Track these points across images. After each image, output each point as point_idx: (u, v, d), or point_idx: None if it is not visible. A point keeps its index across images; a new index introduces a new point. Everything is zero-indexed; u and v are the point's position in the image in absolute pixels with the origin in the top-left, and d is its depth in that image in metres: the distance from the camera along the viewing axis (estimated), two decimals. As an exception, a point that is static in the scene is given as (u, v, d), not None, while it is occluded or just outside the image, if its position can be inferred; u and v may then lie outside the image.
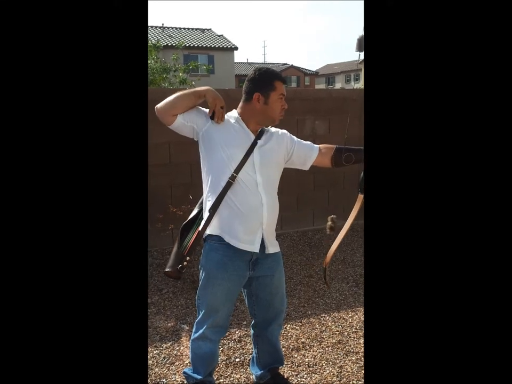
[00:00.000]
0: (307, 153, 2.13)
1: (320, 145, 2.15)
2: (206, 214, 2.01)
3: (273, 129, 2.11)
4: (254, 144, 1.98)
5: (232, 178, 1.93)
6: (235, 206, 1.95)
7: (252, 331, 2.28)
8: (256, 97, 1.96)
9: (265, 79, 1.98)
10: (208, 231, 1.99)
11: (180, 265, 2.03)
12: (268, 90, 1.96)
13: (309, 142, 2.16)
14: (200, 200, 2.13)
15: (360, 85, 39.27)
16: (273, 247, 2.06)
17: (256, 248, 1.99)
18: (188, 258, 2.03)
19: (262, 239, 2.00)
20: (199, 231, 2.03)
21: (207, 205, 2.01)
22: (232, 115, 2.03)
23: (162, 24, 28.14)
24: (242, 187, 1.94)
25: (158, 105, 1.92)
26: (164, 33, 25.65)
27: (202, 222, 2.02)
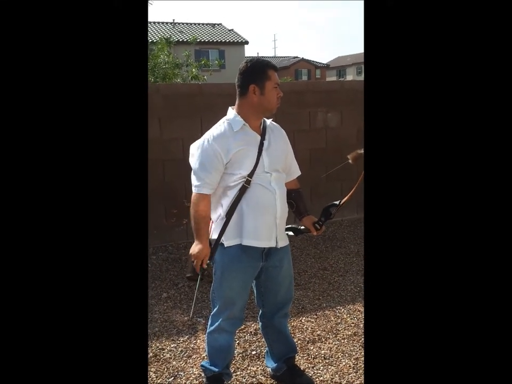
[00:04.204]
0: (292, 168, 2.17)
1: (296, 175, 2.20)
2: (219, 219, 2.00)
3: (270, 123, 2.09)
4: (261, 147, 1.97)
5: (247, 182, 1.93)
6: (251, 206, 1.95)
7: (260, 323, 2.28)
8: (252, 89, 1.92)
9: (258, 69, 1.94)
10: (225, 243, 1.98)
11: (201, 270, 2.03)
12: (263, 80, 1.92)
13: (295, 162, 2.19)
14: None
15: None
16: (284, 241, 2.08)
17: (273, 243, 2.01)
18: (208, 262, 2.02)
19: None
20: (214, 239, 2.01)
21: (218, 209, 2.00)
22: (232, 118, 1.97)
23: (173, 20, 28.11)
24: (256, 187, 1.95)
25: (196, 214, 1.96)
26: (174, 29, 25.64)
27: (216, 228, 2.00)
